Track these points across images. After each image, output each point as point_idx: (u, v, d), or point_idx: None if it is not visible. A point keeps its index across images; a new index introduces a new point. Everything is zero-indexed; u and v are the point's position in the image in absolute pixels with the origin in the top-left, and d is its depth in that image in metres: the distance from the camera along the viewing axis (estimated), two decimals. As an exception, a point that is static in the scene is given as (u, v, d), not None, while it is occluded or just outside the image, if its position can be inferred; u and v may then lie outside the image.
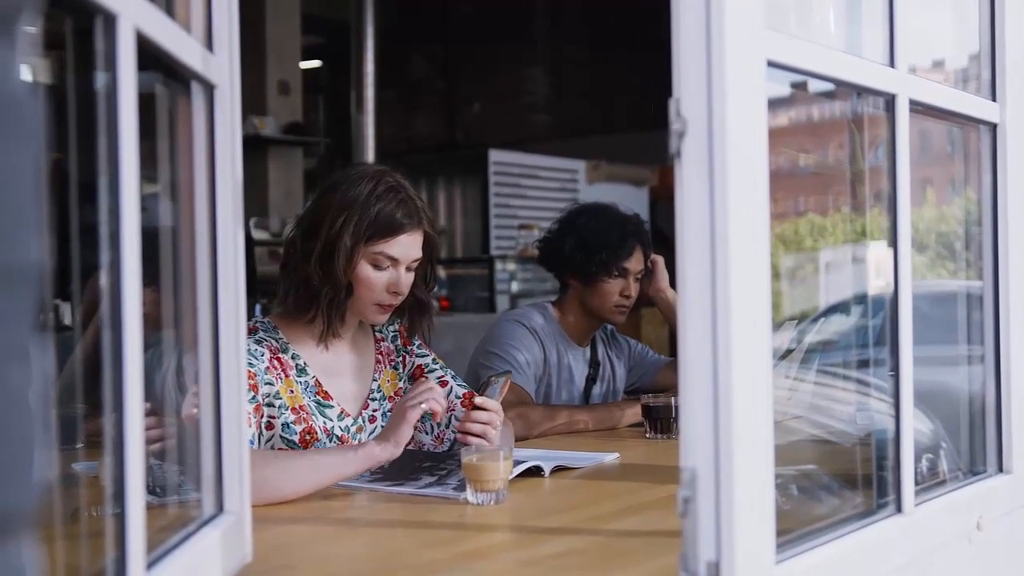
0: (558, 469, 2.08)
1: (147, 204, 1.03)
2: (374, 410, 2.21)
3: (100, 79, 0.96)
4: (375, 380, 2.23)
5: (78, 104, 1.00)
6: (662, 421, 2.55)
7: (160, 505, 1.33)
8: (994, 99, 1.73)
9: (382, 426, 2.17)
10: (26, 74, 0.56)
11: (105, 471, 1.43)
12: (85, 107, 0.98)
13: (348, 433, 2.13)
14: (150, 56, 1.05)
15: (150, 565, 1.03)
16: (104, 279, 0.96)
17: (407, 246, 2.09)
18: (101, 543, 1.01)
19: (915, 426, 1.48)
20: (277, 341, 2.11)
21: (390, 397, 2.24)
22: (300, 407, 2.07)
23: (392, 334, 2.30)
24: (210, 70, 1.27)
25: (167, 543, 1.15)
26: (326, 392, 2.12)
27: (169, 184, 1.29)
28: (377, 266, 2.08)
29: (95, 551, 1.11)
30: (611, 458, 2.25)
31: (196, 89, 1.27)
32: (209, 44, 1.29)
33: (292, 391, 2.08)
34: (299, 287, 2.10)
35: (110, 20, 0.94)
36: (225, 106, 1.31)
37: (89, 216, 0.97)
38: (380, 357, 2.26)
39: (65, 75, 1.06)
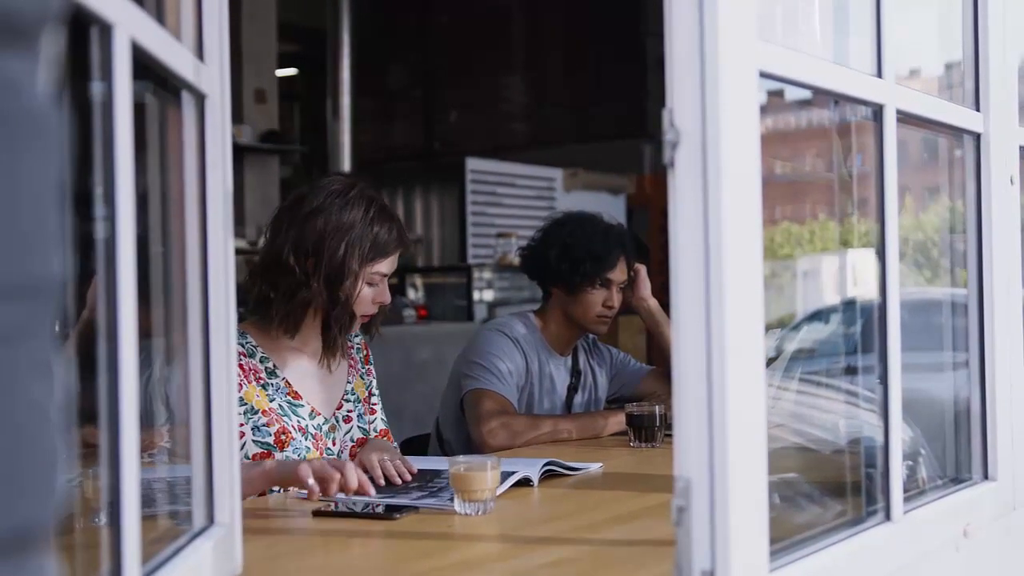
0: (547, 474, 2.08)
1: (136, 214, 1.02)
2: (348, 411, 2.29)
3: (95, 88, 0.95)
4: (349, 382, 2.31)
5: (70, 113, 0.99)
6: (646, 430, 2.56)
7: (146, 517, 1.32)
8: (977, 109, 1.74)
9: (358, 426, 2.29)
10: (47, 87, 0.56)
11: (89, 483, 1.42)
12: (78, 116, 0.97)
13: (321, 431, 2.20)
14: (141, 65, 1.04)
15: (144, 578, 1.02)
16: (99, 288, 0.95)
17: (395, 261, 2.23)
18: (90, 555, 1.00)
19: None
20: (243, 346, 2.16)
21: (363, 400, 2.33)
22: (270, 409, 2.13)
23: (357, 346, 2.38)
24: (201, 80, 1.26)
25: (159, 555, 1.14)
26: (296, 392, 2.19)
27: (159, 193, 1.28)
28: (371, 283, 2.19)
29: (86, 563, 1.10)
30: (595, 468, 2.25)
31: (187, 99, 1.26)
32: (200, 54, 1.28)
33: (260, 395, 2.13)
34: (298, 308, 2.14)
35: (106, 30, 0.94)
36: (216, 116, 1.30)
37: (81, 226, 0.96)
38: (352, 362, 2.35)
39: (59, 85, 1.05)
